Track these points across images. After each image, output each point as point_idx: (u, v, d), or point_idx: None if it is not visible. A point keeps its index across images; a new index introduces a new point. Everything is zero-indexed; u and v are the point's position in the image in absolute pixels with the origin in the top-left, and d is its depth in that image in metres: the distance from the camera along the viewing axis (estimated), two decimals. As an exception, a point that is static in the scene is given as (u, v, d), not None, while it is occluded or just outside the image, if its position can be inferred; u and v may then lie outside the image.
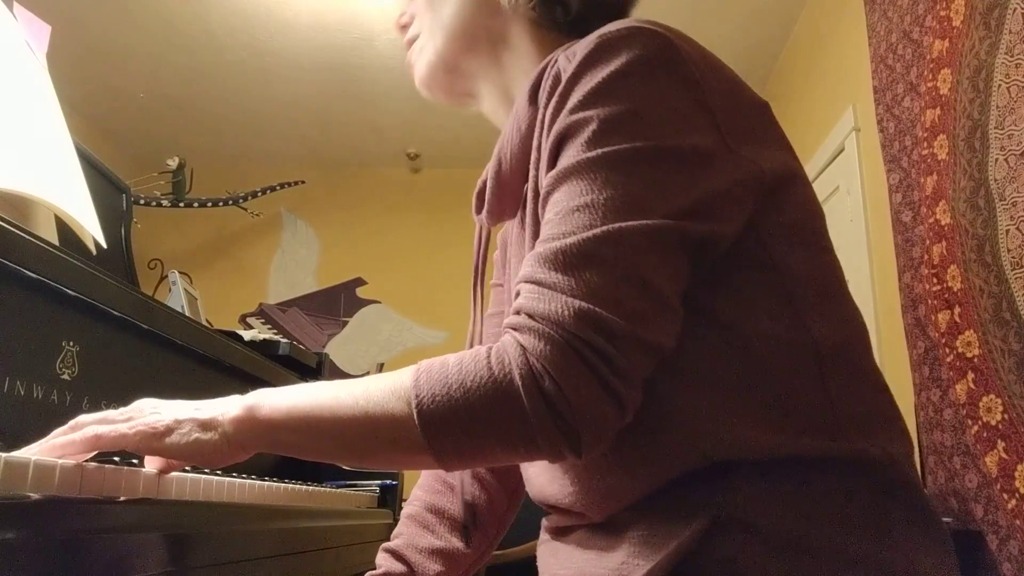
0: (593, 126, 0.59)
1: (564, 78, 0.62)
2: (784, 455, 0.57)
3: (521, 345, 0.54)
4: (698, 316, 0.59)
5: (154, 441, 0.60)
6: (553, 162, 0.62)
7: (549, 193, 0.61)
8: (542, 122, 0.66)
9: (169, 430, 0.60)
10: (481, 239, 0.84)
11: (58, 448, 0.58)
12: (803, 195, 0.66)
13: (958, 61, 1.55)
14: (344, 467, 1.58)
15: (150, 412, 0.62)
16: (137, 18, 2.80)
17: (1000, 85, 1.40)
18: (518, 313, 0.56)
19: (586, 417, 0.52)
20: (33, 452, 0.58)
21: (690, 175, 0.58)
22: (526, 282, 0.57)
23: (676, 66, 0.61)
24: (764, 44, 2.88)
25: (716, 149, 0.60)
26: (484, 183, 0.78)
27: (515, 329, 0.55)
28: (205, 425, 0.60)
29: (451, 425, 0.54)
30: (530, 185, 0.68)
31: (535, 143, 0.68)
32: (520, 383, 0.52)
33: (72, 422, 0.61)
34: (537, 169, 0.67)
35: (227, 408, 0.61)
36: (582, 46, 0.63)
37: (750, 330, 0.60)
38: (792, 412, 0.59)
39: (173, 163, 3.35)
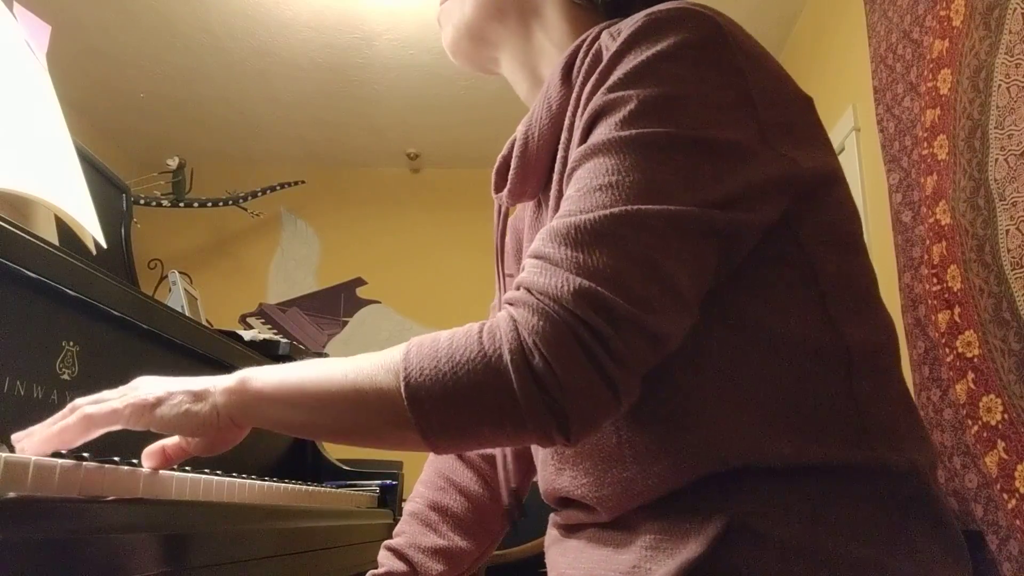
0: (631, 106, 0.56)
1: (607, 55, 0.60)
2: (804, 464, 0.56)
3: (514, 319, 0.51)
4: (727, 315, 0.58)
5: (145, 413, 0.59)
6: (585, 138, 0.60)
7: (575, 168, 0.59)
8: (577, 100, 0.64)
9: (160, 401, 0.59)
10: (500, 219, 0.82)
11: (56, 436, 0.58)
12: (842, 196, 0.64)
13: (958, 61, 1.55)
14: (339, 463, 1.58)
15: (144, 387, 0.61)
16: (137, 18, 2.80)
17: (1000, 85, 1.40)
18: (518, 288, 0.54)
19: (577, 400, 0.50)
20: (34, 441, 0.58)
21: (722, 168, 0.56)
22: (532, 256, 0.55)
23: (723, 54, 0.59)
24: (764, 44, 2.88)
25: (753, 145, 0.57)
26: (505, 161, 0.76)
27: (511, 304, 0.53)
28: (197, 396, 0.59)
29: (437, 400, 0.52)
30: (557, 167, 0.66)
31: (566, 123, 0.65)
32: (509, 358, 0.50)
33: (68, 407, 0.61)
34: (567, 150, 0.64)
35: (219, 380, 0.60)
36: (628, 24, 0.60)
37: (779, 331, 0.58)
38: (818, 418, 0.57)
39: (173, 163, 3.35)
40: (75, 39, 2.88)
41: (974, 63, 1.49)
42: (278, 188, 3.65)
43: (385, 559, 0.85)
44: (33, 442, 0.58)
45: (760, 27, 2.78)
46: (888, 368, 0.62)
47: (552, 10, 0.76)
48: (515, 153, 0.72)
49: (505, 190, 0.74)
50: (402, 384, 0.53)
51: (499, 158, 0.77)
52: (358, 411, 0.56)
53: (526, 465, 0.87)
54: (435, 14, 0.85)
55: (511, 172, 0.73)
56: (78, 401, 0.61)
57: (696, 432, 0.56)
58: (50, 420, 0.61)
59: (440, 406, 0.52)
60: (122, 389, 0.62)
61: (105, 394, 0.62)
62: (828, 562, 0.53)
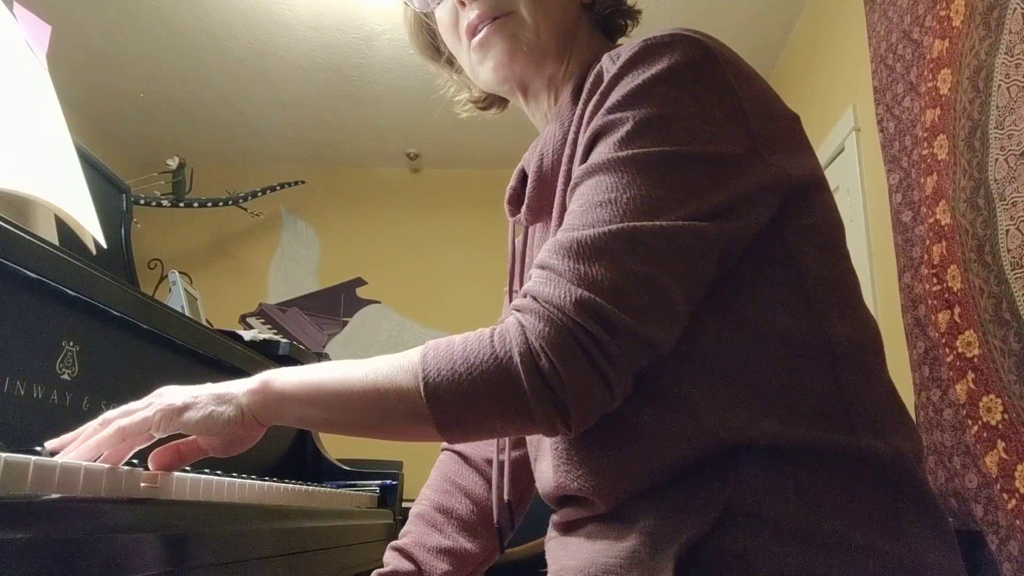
0: (627, 126, 0.61)
1: (607, 78, 0.64)
2: (793, 445, 0.59)
3: (522, 325, 0.56)
4: (717, 309, 0.61)
5: (174, 417, 0.63)
6: (586, 157, 0.64)
7: (577, 185, 0.63)
8: (580, 118, 0.68)
9: (187, 406, 0.63)
10: (513, 239, 0.86)
11: (93, 450, 0.61)
12: (826, 203, 0.68)
13: (958, 61, 1.55)
14: (339, 463, 1.58)
15: (169, 395, 0.65)
16: (137, 18, 2.80)
17: (1000, 85, 1.40)
18: (525, 295, 0.59)
19: (577, 396, 0.55)
20: (70, 455, 0.60)
21: (715, 179, 0.60)
22: (538, 267, 0.60)
23: (715, 73, 0.62)
24: (764, 44, 2.88)
25: (744, 155, 0.61)
26: (514, 191, 0.81)
27: (519, 310, 0.58)
28: (220, 399, 0.64)
29: (453, 397, 0.57)
30: (561, 178, 0.70)
31: (570, 138, 0.70)
32: (519, 361, 0.55)
33: (100, 419, 0.64)
34: (571, 164, 0.69)
35: (240, 384, 0.65)
36: (627, 49, 0.65)
37: (766, 325, 0.61)
38: (803, 405, 0.60)
39: (173, 163, 3.35)
40: (75, 39, 2.88)
41: (974, 63, 1.49)
42: (278, 188, 3.65)
43: (391, 559, 0.86)
44: (73, 456, 0.60)
45: (760, 28, 2.77)
46: (872, 363, 0.65)
47: (586, 37, 0.80)
48: (532, 172, 0.75)
49: (523, 210, 0.78)
50: (421, 384, 0.58)
51: (508, 189, 0.82)
52: (378, 408, 0.61)
53: (525, 481, 0.88)
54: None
55: (529, 191, 0.76)
56: (109, 414, 0.64)
57: (688, 412, 0.60)
58: (81, 430, 0.64)
59: (456, 402, 0.57)
60: (147, 398, 0.65)
61: (132, 405, 0.65)
62: (823, 544, 0.55)
